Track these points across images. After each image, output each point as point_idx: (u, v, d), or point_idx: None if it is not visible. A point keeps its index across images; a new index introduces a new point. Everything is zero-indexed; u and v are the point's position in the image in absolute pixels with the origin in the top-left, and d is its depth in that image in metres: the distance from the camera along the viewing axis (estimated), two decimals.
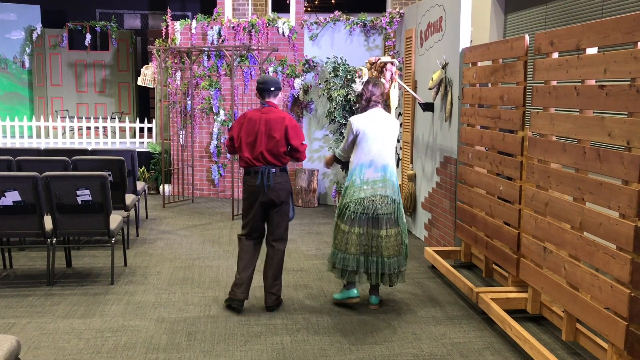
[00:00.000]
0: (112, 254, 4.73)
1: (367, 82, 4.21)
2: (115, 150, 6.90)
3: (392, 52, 7.42)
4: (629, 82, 2.88)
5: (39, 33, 10.23)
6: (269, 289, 4.15)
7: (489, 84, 4.57)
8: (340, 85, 7.27)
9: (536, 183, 3.74)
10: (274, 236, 4.20)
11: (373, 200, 4.09)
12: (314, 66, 7.87)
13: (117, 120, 9.88)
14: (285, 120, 4.09)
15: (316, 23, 7.84)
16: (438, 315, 4.15)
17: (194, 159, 8.26)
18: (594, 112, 3.25)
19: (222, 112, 8.09)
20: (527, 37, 4.06)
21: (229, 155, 8.11)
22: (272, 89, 4.13)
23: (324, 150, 7.95)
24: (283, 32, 7.86)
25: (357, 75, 4.25)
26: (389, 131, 4.17)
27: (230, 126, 4.14)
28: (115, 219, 4.87)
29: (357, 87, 4.18)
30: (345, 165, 4.42)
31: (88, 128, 9.81)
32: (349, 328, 3.89)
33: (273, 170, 4.07)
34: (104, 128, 9.80)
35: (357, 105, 4.41)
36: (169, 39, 8.16)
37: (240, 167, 4.20)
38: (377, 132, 4.13)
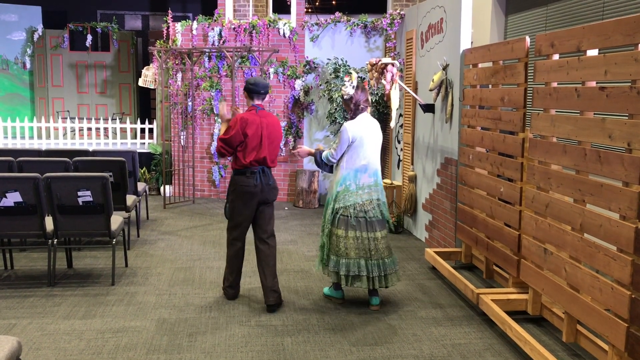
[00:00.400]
0: (113, 254, 4.73)
1: (356, 87, 4.25)
2: (116, 151, 6.90)
3: (392, 54, 7.43)
4: (629, 84, 2.88)
5: (40, 34, 10.25)
6: (272, 287, 4.17)
7: (490, 86, 4.57)
8: (341, 86, 7.28)
9: (537, 184, 3.74)
10: (267, 233, 4.25)
11: (368, 204, 4.18)
12: (315, 67, 7.88)
13: (118, 121, 9.89)
14: (279, 126, 4.28)
15: (317, 24, 7.85)
16: (438, 316, 4.15)
17: (194, 159, 8.26)
18: (594, 114, 3.26)
19: None
20: (527, 39, 4.06)
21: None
22: (262, 92, 4.20)
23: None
24: (284, 33, 7.87)
25: (346, 79, 4.27)
26: (379, 136, 4.30)
27: (226, 131, 4.15)
28: (116, 219, 4.87)
29: (347, 90, 4.21)
30: (329, 168, 4.39)
31: (89, 129, 9.83)
32: (350, 329, 3.90)
33: (268, 170, 4.19)
34: (105, 129, 9.81)
35: (346, 110, 4.45)
36: (170, 40, 8.17)
37: (233, 168, 4.23)
38: (370, 138, 4.21)
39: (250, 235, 4.36)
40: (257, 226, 4.25)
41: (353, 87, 4.21)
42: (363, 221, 4.14)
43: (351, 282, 4.15)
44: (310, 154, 4.51)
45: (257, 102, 4.20)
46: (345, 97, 4.25)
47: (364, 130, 4.18)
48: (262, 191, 4.14)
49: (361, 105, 4.24)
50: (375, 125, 4.29)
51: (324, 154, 4.34)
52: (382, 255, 4.15)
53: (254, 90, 4.16)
